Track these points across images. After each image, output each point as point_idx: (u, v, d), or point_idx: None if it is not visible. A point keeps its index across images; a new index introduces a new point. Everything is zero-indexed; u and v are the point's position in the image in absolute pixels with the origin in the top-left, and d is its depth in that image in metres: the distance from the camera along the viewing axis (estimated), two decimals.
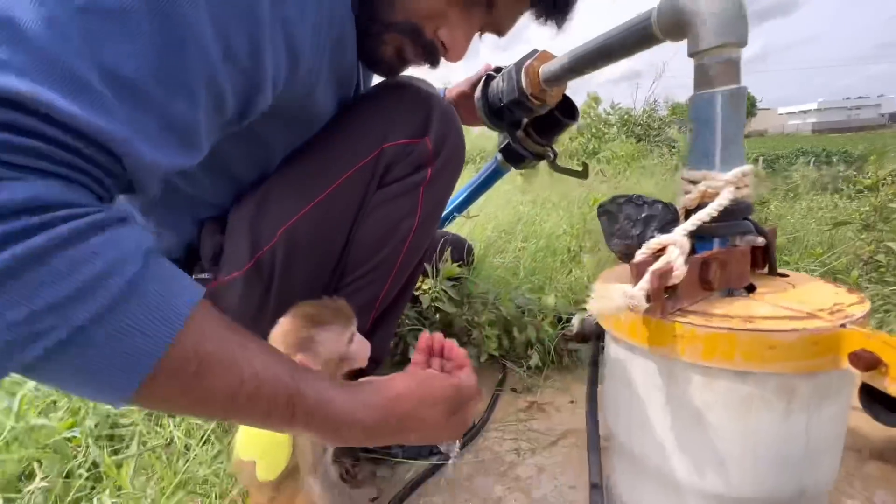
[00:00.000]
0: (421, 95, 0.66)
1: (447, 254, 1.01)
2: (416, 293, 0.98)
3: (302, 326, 0.50)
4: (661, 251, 0.46)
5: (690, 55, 0.50)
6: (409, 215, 0.67)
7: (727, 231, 0.49)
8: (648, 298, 0.43)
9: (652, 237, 0.48)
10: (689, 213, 0.52)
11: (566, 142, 3.56)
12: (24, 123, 0.27)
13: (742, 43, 0.47)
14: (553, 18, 0.60)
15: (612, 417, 0.54)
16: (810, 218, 1.56)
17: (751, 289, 0.51)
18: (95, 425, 0.88)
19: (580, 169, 0.92)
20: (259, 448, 0.54)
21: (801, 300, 0.46)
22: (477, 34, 0.64)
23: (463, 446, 0.75)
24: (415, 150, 0.65)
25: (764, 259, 0.55)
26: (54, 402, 0.93)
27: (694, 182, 0.50)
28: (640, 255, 0.46)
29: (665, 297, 0.44)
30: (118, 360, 0.29)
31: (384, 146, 0.64)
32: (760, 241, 0.50)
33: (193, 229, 0.69)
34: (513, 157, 0.94)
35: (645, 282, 0.43)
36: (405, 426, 0.42)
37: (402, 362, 0.99)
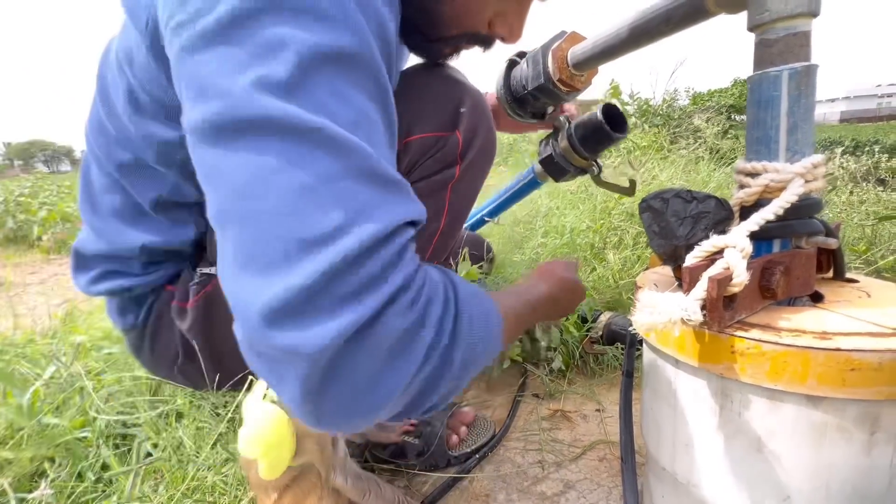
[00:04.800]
0: (450, 82, 0.60)
1: (465, 252, 0.96)
2: None
3: None
4: (716, 254, 0.40)
5: (751, 28, 0.43)
6: (435, 217, 0.62)
7: (792, 231, 0.43)
8: (703, 308, 0.38)
9: (704, 237, 0.42)
10: (744, 211, 0.46)
11: None
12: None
13: (815, 12, 0.40)
14: None
15: (653, 438, 0.49)
16: (851, 212, 1.46)
17: (817, 297, 0.45)
18: (106, 426, 0.86)
19: (626, 185, 0.85)
20: (261, 447, 0.51)
21: (883, 312, 0.39)
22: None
23: (482, 457, 0.71)
24: (445, 146, 0.60)
25: (829, 262, 0.49)
26: (65, 401, 0.92)
27: (753, 175, 0.44)
28: (692, 259, 0.41)
29: (724, 305, 0.38)
30: (484, 348, 0.39)
31: (408, 140, 0.58)
32: (832, 242, 0.43)
33: (203, 223, 0.66)
34: (554, 169, 0.87)
35: (701, 290, 0.37)
36: (565, 287, 0.59)
37: None
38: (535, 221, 1.49)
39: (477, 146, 0.62)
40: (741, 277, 0.37)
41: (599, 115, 0.76)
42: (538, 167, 0.90)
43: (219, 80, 0.30)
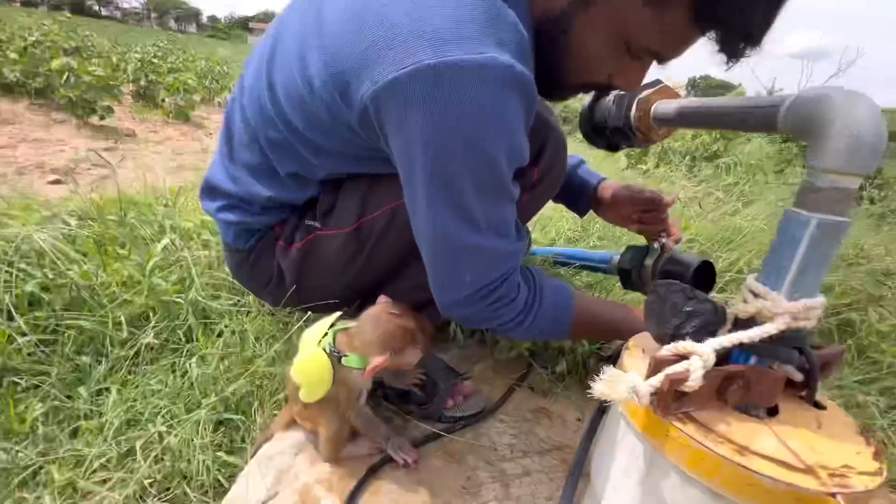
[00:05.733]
0: (541, 121, 0.69)
1: None
2: None
3: (402, 338, 0.68)
4: (686, 355, 0.47)
5: (807, 165, 0.46)
6: None
7: (766, 353, 0.48)
8: (655, 394, 0.46)
9: (689, 333, 0.49)
10: (739, 321, 0.51)
11: (686, 137, 3.09)
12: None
13: (867, 175, 0.42)
14: (733, 57, 0.55)
15: (594, 466, 0.59)
16: None
17: (774, 411, 0.51)
18: (195, 301, 1.10)
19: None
20: (305, 379, 0.68)
21: (813, 446, 0.45)
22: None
23: (467, 424, 0.85)
24: (523, 175, 0.71)
25: (806, 384, 0.53)
26: (170, 267, 1.17)
27: (755, 294, 0.49)
28: (665, 351, 0.48)
29: (673, 398, 0.46)
30: (551, 331, 0.79)
31: None
32: (798, 377, 0.48)
33: (320, 189, 0.81)
34: (627, 282, 0.98)
35: (657, 380, 0.45)
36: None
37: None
38: (592, 225, 1.51)
39: (549, 178, 0.75)
40: (694, 383, 0.44)
41: (692, 269, 0.82)
42: (616, 263, 0.99)
43: (445, 219, 0.62)
